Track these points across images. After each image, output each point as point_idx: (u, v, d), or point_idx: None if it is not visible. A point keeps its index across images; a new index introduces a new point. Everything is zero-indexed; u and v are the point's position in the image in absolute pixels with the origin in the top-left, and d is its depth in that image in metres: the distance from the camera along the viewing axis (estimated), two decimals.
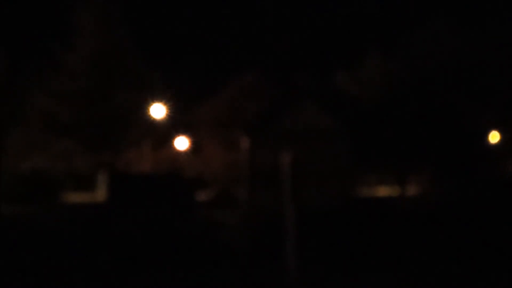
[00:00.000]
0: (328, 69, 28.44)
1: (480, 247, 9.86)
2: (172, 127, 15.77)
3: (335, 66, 28.14)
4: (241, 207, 16.66)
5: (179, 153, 15.62)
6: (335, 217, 14.20)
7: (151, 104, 16.08)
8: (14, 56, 19.41)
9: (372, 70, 26.27)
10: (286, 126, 25.08)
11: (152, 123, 16.12)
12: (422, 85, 23.49)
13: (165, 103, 16.32)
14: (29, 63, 19.22)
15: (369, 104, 24.50)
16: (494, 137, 22.55)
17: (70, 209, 15.96)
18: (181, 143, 15.39)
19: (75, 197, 19.10)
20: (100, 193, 17.09)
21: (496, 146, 23.22)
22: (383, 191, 20.51)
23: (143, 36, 29.64)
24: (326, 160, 19.41)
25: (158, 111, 15.72)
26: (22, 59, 19.60)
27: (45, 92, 18.35)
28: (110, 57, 18.48)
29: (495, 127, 22.55)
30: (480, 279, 7.84)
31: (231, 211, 15.91)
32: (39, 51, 19.38)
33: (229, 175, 17.77)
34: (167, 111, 15.83)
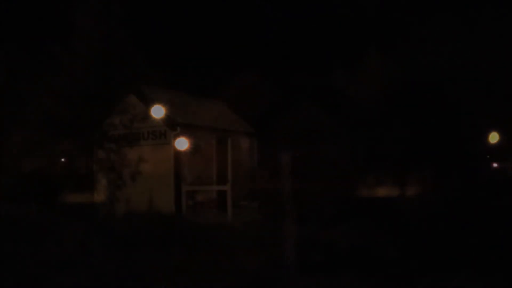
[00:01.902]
0: (328, 69, 28.44)
1: (480, 247, 9.86)
2: (171, 127, 15.73)
3: (334, 66, 28.14)
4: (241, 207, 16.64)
5: (179, 153, 15.59)
6: (335, 216, 14.21)
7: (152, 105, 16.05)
8: (14, 56, 19.41)
9: (372, 70, 26.26)
10: (286, 126, 25.06)
11: (152, 123, 16.10)
12: (422, 85, 23.48)
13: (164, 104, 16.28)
14: (28, 63, 19.22)
15: (369, 104, 24.49)
16: (493, 137, 22.54)
17: (70, 209, 15.97)
18: (181, 143, 15.35)
19: (75, 197, 19.09)
20: (100, 194, 17.06)
21: (495, 146, 23.21)
22: (383, 191, 20.50)
23: (143, 37, 29.62)
24: (326, 160, 19.40)
25: (158, 111, 15.68)
26: (22, 58, 19.59)
27: (45, 92, 18.33)
28: (110, 57, 18.46)
29: (495, 128, 22.56)
30: (481, 279, 7.83)
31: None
32: (39, 51, 19.38)
33: (229, 175, 17.76)
34: (166, 111, 15.79)
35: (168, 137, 15.73)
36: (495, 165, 29.15)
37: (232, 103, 22.79)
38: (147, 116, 15.98)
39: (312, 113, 26.03)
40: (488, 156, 26.52)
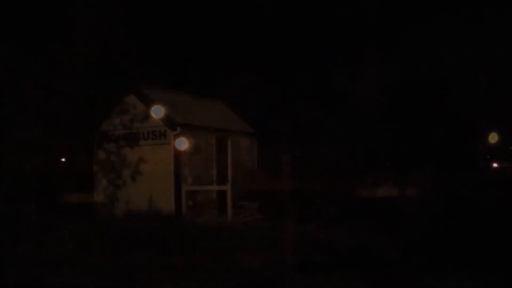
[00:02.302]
0: (328, 69, 28.44)
1: (480, 247, 9.85)
2: (171, 127, 15.73)
3: (335, 66, 28.13)
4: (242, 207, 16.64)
5: (179, 153, 15.58)
6: (335, 216, 14.21)
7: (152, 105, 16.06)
8: (15, 56, 19.39)
9: (372, 71, 26.27)
10: (286, 126, 25.04)
11: (152, 123, 16.09)
12: (422, 85, 23.48)
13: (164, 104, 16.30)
14: (29, 63, 19.22)
15: (369, 104, 24.51)
16: (493, 137, 22.54)
17: (70, 209, 15.98)
18: (181, 143, 15.35)
19: (75, 198, 19.10)
20: (100, 194, 17.07)
21: (495, 146, 23.21)
22: (383, 191, 20.51)
23: (143, 37, 29.64)
24: (326, 160, 19.38)
25: (158, 111, 15.69)
26: (22, 58, 19.58)
27: (45, 92, 18.35)
28: (110, 57, 18.50)
29: (495, 128, 22.58)
30: (481, 279, 7.82)
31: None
32: (39, 51, 19.38)
33: (229, 175, 17.76)
34: (166, 111, 15.81)
35: (168, 137, 15.73)
36: (495, 165, 29.15)
37: (232, 103, 22.78)
38: (147, 116, 15.99)
39: (312, 113, 26.05)
40: (488, 156, 26.53)
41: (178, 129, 15.55)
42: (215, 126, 17.73)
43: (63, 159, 21.90)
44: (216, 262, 9.19)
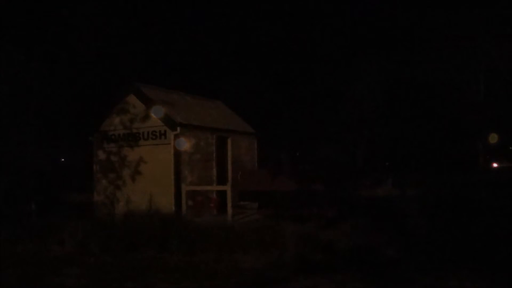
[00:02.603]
0: (328, 69, 28.45)
1: (480, 247, 9.86)
2: (171, 127, 15.73)
3: (335, 66, 28.15)
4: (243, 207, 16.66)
5: (179, 153, 15.58)
6: (335, 216, 14.22)
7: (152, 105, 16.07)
8: (14, 56, 19.40)
9: (372, 70, 26.27)
10: (286, 126, 25.04)
11: (152, 123, 16.10)
12: (422, 86, 23.49)
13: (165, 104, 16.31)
14: (28, 63, 19.23)
15: (369, 104, 24.51)
16: (493, 138, 22.55)
17: (70, 209, 15.98)
18: (181, 143, 15.35)
19: (75, 197, 19.13)
20: (100, 194, 17.05)
21: (495, 146, 23.22)
22: (382, 191, 20.52)
23: (143, 37, 29.63)
24: (326, 160, 19.38)
25: (158, 111, 15.70)
26: (22, 58, 19.59)
27: (45, 92, 18.36)
28: (110, 57, 18.55)
29: (495, 128, 22.59)
30: (481, 279, 7.83)
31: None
32: (39, 51, 19.39)
33: (229, 175, 17.76)
34: (166, 111, 15.82)
35: (168, 137, 15.73)
36: (495, 165, 29.18)
37: (232, 103, 22.79)
38: (147, 116, 16.00)
39: (312, 113, 26.06)
40: (488, 156, 26.55)
41: (178, 129, 15.55)
42: (215, 126, 17.73)
43: (63, 159, 21.92)
44: (216, 262, 9.19)
